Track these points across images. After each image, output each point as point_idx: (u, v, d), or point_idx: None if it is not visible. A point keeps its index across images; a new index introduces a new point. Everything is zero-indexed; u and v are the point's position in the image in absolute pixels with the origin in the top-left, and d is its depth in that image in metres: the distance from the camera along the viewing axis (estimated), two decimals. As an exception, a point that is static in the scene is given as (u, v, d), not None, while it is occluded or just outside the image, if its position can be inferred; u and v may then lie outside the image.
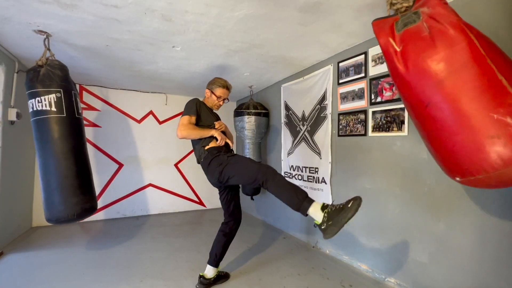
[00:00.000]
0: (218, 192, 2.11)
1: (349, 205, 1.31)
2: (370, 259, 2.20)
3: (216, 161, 1.82)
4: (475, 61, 1.02)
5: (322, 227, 1.36)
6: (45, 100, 1.92)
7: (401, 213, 1.97)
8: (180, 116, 1.81)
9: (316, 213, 1.41)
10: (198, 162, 1.99)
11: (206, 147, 1.90)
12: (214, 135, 1.89)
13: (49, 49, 2.14)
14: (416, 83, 1.14)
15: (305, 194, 1.50)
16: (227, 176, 1.76)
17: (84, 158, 2.15)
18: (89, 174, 2.19)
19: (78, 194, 2.00)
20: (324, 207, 1.41)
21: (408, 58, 1.14)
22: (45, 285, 1.98)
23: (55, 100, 1.95)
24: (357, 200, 1.31)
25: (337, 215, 1.32)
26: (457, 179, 1.13)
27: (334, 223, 1.32)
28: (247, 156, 3.95)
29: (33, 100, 1.93)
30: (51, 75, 1.96)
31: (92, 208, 2.12)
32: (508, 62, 1.04)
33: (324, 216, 1.37)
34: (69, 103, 2.02)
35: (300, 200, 1.46)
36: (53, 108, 1.94)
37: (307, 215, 1.45)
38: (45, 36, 2.12)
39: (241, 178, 1.71)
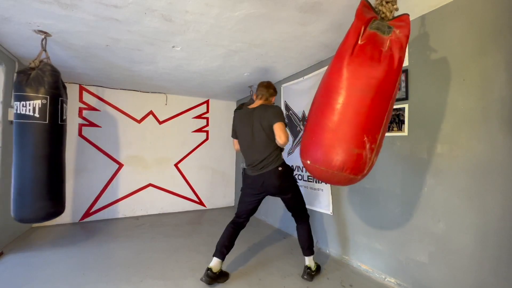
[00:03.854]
0: (248, 194, 2.14)
1: (319, 272, 2.20)
2: (370, 259, 2.20)
3: (292, 173, 2.13)
4: (390, 96, 1.25)
5: (312, 273, 2.12)
6: (29, 105, 1.93)
7: (401, 213, 1.97)
8: (277, 122, 1.92)
9: (311, 262, 2.15)
10: (262, 168, 2.03)
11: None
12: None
13: (45, 50, 2.13)
14: (350, 75, 1.21)
15: (313, 244, 2.20)
16: (293, 191, 2.10)
17: (58, 165, 2.16)
18: (61, 181, 2.20)
19: (46, 199, 2.04)
20: (315, 262, 2.22)
21: (361, 55, 1.20)
22: (45, 285, 1.98)
23: (40, 106, 1.95)
24: (319, 272, 2.21)
25: (317, 272, 2.17)
26: (308, 162, 1.36)
27: (315, 275, 2.14)
28: None
29: (19, 103, 1.94)
30: (40, 79, 1.95)
31: (56, 213, 2.15)
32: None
33: (315, 266, 2.16)
34: (53, 110, 2.03)
35: (311, 246, 2.15)
36: (36, 114, 1.95)
37: (306, 256, 2.15)
38: (43, 36, 2.12)
39: (296, 201, 2.14)
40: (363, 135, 1.23)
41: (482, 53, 1.52)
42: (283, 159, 2.06)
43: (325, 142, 1.26)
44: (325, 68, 2.69)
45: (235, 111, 2.29)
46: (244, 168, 3.92)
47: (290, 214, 2.25)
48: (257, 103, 2.16)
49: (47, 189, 2.05)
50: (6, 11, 1.80)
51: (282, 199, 2.15)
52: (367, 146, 1.24)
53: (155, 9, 1.76)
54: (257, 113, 2.03)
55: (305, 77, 3.02)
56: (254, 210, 2.17)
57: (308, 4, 1.69)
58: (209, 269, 1.97)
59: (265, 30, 2.05)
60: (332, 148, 1.25)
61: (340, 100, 1.22)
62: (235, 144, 2.31)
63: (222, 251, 2.03)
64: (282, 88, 3.48)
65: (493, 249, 1.46)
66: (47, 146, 2.03)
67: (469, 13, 1.59)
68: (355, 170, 1.25)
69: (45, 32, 2.09)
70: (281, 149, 2.07)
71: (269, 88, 2.17)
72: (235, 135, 2.24)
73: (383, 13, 1.28)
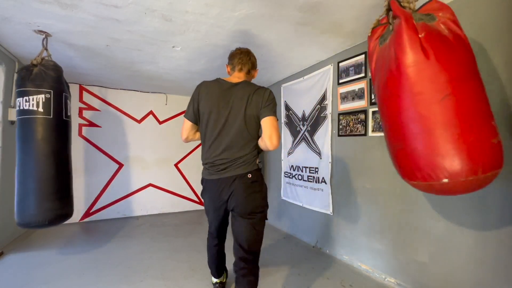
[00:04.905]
0: (208, 204, 1.61)
1: None
2: (370, 259, 2.20)
3: (266, 188, 1.56)
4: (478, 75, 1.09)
5: None
6: (33, 100, 1.89)
7: (401, 213, 1.97)
8: (270, 115, 1.38)
9: None
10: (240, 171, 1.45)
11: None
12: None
13: (46, 49, 2.13)
14: (434, 75, 1.06)
15: None
16: (260, 215, 1.49)
17: (65, 162, 2.09)
18: (69, 178, 2.12)
19: (54, 199, 1.94)
20: None
21: (436, 45, 1.07)
22: (45, 285, 1.98)
23: (44, 100, 1.91)
24: None
25: None
26: (445, 180, 1.10)
27: None
28: None
29: (21, 99, 1.90)
30: (43, 75, 1.93)
31: (66, 215, 2.05)
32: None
33: None
34: (58, 105, 1.98)
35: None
36: (40, 109, 1.90)
37: None
38: (44, 36, 2.12)
39: (258, 233, 1.50)
40: (490, 121, 1.05)
41: (482, 53, 1.52)
42: (259, 164, 1.52)
43: (460, 146, 1.01)
44: (325, 68, 2.69)
45: (202, 83, 1.54)
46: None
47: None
48: (236, 76, 1.55)
49: (56, 187, 1.95)
50: (6, 11, 1.80)
51: (236, 225, 1.49)
52: (497, 130, 1.05)
53: (155, 9, 1.76)
54: (240, 93, 1.42)
55: (305, 77, 3.02)
56: (223, 226, 1.71)
57: (308, 4, 1.69)
58: (216, 283, 1.89)
59: (265, 30, 2.05)
60: (473, 147, 1.00)
61: (451, 99, 1.03)
62: (186, 130, 1.54)
63: (217, 271, 1.87)
64: (282, 88, 3.48)
65: (493, 249, 1.46)
66: (54, 141, 1.96)
67: (469, 13, 1.59)
68: (498, 162, 1.04)
69: (45, 32, 2.09)
70: (259, 150, 1.50)
71: (251, 56, 1.61)
72: (194, 115, 1.50)
73: (408, 6, 1.21)
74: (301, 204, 3.04)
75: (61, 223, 2.05)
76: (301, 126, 3.11)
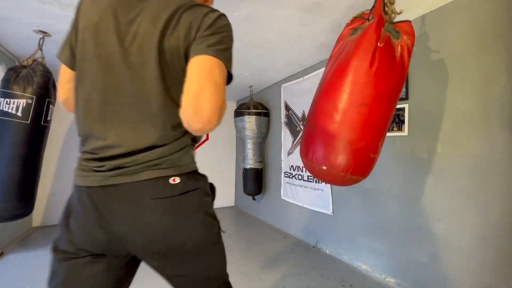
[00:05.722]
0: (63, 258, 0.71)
1: None
2: (370, 259, 2.20)
3: (212, 209, 0.78)
4: (396, 100, 1.28)
5: None
6: (13, 103, 1.89)
7: (401, 213, 1.97)
8: (205, 56, 0.64)
9: None
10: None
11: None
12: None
13: (41, 49, 2.12)
14: (378, 82, 1.19)
15: None
16: (211, 259, 0.78)
17: (34, 167, 2.10)
18: (34, 182, 2.15)
19: (13, 200, 1.97)
20: None
21: (383, 60, 1.18)
22: (45, 285, 1.98)
23: (24, 106, 1.91)
24: None
25: None
26: (324, 167, 1.29)
27: None
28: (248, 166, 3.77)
29: (3, 99, 1.90)
30: (29, 79, 1.92)
31: (23, 214, 2.09)
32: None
33: None
34: (38, 111, 1.98)
35: None
36: (19, 113, 1.91)
37: None
38: (42, 35, 2.11)
39: (208, 266, 0.76)
40: (379, 140, 1.25)
41: (482, 53, 1.52)
42: (195, 163, 0.77)
43: (349, 149, 1.20)
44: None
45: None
46: (245, 169, 3.91)
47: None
48: None
49: (17, 190, 1.99)
50: (6, 11, 1.80)
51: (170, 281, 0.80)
52: (379, 150, 1.27)
53: (155, 9, 1.76)
54: (155, 9, 0.67)
55: (305, 77, 3.02)
56: None
57: (308, 4, 1.69)
58: None
59: (265, 30, 2.05)
60: (356, 154, 1.21)
61: (365, 109, 1.19)
62: (63, 85, 0.78)
63: None
64: (282, 88, 3.48)
65: (493, 249, 1.46)
66: (26, 146, 1.98)
67: (469, 13, 1.59)
68: (366, 173, 1.28)
69: (44, 32, 2.09)
70: (194, 140, 0.78)
71: None
72: (70, 56, 0.75)
73: (389, 14, 1.26)
74: (301, 204, 3.04)
75: (18, 219, 2.12)
76: (301, 126, 3.10)
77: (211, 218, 0.74)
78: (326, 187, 2.68)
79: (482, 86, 1.52)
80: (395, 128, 2.00)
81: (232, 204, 4.93)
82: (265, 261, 2.46)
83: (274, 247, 2.83)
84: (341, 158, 1.20)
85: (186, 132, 0.71)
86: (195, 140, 0.78)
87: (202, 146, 0.91)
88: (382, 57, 1.15)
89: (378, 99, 1.18)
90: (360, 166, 1.23)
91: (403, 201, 1.96)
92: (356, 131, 1.19)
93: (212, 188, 0.81)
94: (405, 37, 1.22)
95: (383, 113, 1.22)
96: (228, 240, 3.00)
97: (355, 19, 1.35)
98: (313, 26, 1.99)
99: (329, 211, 2.64)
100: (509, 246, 1.41)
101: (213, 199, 0.80)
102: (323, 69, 2.71)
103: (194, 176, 0.73)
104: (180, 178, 0.69)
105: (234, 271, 2.21)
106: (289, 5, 1.71)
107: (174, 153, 0.69)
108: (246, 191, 3.79)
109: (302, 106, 3.08)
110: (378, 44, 1.15)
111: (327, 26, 1.99)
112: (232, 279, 0.89)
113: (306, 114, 2.99)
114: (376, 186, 2.17)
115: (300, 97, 3.12)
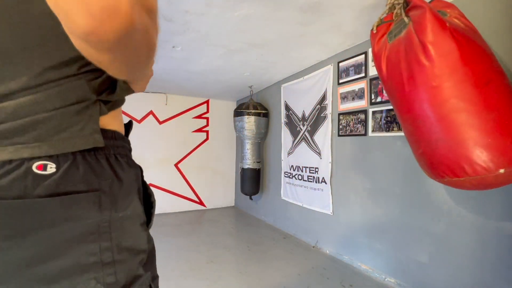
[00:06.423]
0: None
1: None
2: (370, 259, 2.20)
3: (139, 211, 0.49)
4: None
5: None
6: None
7: (401, 213, 1.97)
8: None
9: None
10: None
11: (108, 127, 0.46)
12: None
13: None
14: (471, 62, 1.04)
15: None
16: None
17: None
18: None
19: None
20: None
21: (460, 38, 1.04)
22: None
23: None
24: None
25: None
26: (502, 171, 1.02)
27: None
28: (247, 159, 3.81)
29: None
30: None
31: None
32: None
33: None
34: None
35: None
36: None
37: None
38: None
39: None
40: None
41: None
42: (99, 135, 0.42)
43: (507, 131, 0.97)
44: (325, 68, 2.69)
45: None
46: (242, 168, 3.89)
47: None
48: None
49: None
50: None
51: None
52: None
53: (155, 9, 1.76)
54: None
55: (305, 77, 3.02)
56: None
57: (308, 4, 1.69)
58: None
59: (265, 30, 2.05)
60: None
61: (490, 88, 1.01)
62: None
63: None
64: (282, 88, 3.48)
65: (493, 249, 1.46)
66: None
67: (469, 13, 1.58)
68: None
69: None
70: (103, 93, 0.43)
71: None
72: None
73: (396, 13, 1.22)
74: (301, 204, 3.04)
75: None
76: (301, 126, 3.11)
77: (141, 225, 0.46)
78: (326, 187, 2.68)
79: (482, 86, 1.52)
80: (395, 128, 2.00)
81: (232, 204, 4.93)
82: (265, 261, 2.46)
83: (274, 247, 2.83)
84: (509, 148, 0.95)
85: (81, 68, 0.39)
86: (110, 89, 0.44)
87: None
88: (459, 34, 1.02)
89: (492, 71, 1.03)
90: None
91: (403, 201, 1.96)
92: (502, 112, 0.98)
93: (146, 193, 0.53)
94: (449, 11, 1.15)
95: (506, 82, 1.05)
96: (228, 240, 3.00)
97: (378, 27, 1.29)
98: (313, 26, 1.99)
99: (329, 211, 2.64)
100: (509, 246, 1.41)
101: (148, 222, 0.51)
102: (323, 69, 2.72)
103: (92, 159, 0.40)
104: (56, 164, 0.37)
105: (234, 271, 2.21)
106: (289, 5, 1.71)
107: (48, 112, 0.37)
108: (244, 191, 3.79)
109: (302, 106, 3.08)
110: (447, 25, 1.03)
111: (327, 26, 1.99)
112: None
113: (306, 114, 3.00)
114: (376, 186, 2.17)
115: (300, 97, 3.12)
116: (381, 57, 1.27)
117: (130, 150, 0.56)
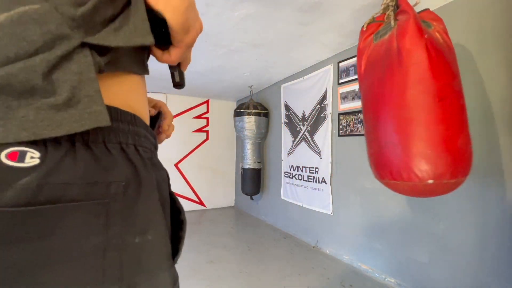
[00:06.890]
0: None
1: None
2: (370, 259, 2.20)
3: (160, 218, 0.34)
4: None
5: None
6: None
7: (401, 213, 1.97)
8: None
9: None
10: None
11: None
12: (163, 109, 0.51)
13: None
14: (435, 75, 1.08)
15: None
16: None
17: None
18: None
19: None
20: None
21: (432, 50, 1.09)
22: None
23: None
24: None
25: None
26: (430, 181, 1.11)
27: None
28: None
29: None
30: None
31: None
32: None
33: None
34: None
35: None
36: None
37: None
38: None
39: None
40: (467, 127, 1.12)
41: (482, 52, 1.52)
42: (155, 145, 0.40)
43: (453, 147, 1.04)
44: (325, 68, 2.69)
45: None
46: (243, 168, 3.91)
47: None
48: None
49: None
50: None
51: None
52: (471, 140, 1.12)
53: (155, 9, 1.76)
54: None
55: (305, 77, 3.02)
56: None
57: (308, 4, 1.69)
58: None
59: (265, 30, 2.05)
60: (463, 151, 1.05)
61: (445, 103, 1.06)
62: None
63: None
64: (282, 88, 3.48)
65: (493, 249, 1.46)
66: None
67: (469, 13, 1.59)
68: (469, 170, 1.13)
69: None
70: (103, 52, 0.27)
71: None
72: None
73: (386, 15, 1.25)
74: (301, 204, 3.04)
75: None
76: (301, 126, 3.11)
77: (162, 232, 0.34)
78: (326, 187, 2.68)
79: (482, 86, 1.52)
80: (395, 128, 2.00)
81: (232, 204, 4.93)
82: (265, 261, 2.46)
83: (274, 247, 2.83)
84: (443, 162, 1.03)
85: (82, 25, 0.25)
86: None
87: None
88: (433, 47, 1.07)
89: (450, 89, 1.08)
90: (466, 162, 1.09)
91: (403, 201, 1.96)
92: (448, 127, 1.05)
93: (175, 206, 0.42)
94: (435, 23, 1.17)
95: (461, 102, 1.10)
96: (228, 240, 3.00)
97: (369, 25, 1.32)
98: (313, 26, 1.99)
99: (329, 211, 2.64)
100: (509, 246, 1.40)
101: (175, 253, 0.40)
102: (323, 69, 2.72)
103: (99, 149, 0.27)
104: (42, 152, 0.23)
105: (234, 271, 2.21)
106: (289, 5, 1.71)
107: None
108: (244, 191, 3.79)
109: (302, 106, 3.08)
110: (425, 36, 1.07)
111: (327, 26, 1.99)
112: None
113: (306, 114, 3.00)
114: (376, 186, 2.17)
115: (300, 97, 3.12)
116: (363, 55, 1.31)
117: (156, 146, 0.40)
